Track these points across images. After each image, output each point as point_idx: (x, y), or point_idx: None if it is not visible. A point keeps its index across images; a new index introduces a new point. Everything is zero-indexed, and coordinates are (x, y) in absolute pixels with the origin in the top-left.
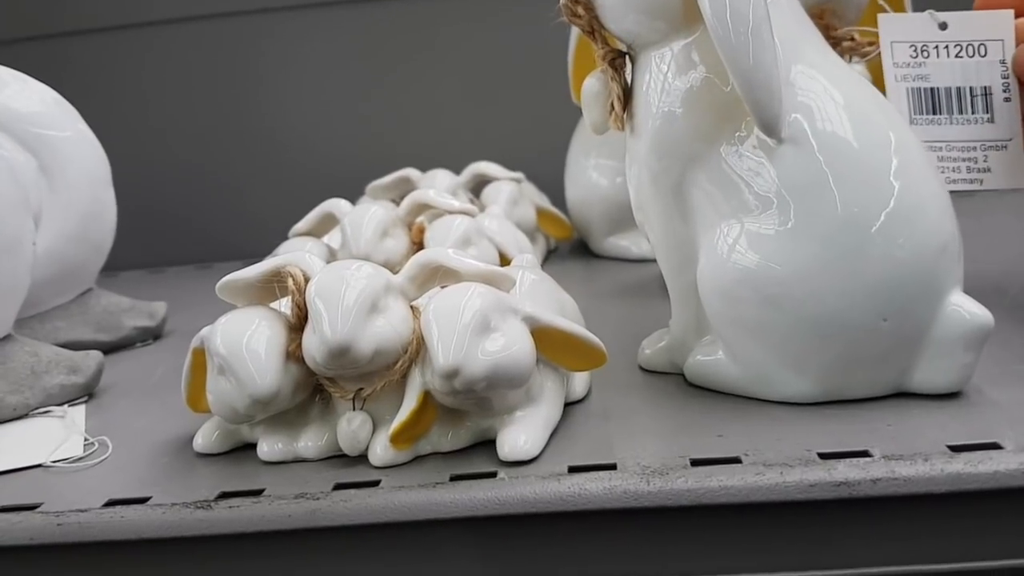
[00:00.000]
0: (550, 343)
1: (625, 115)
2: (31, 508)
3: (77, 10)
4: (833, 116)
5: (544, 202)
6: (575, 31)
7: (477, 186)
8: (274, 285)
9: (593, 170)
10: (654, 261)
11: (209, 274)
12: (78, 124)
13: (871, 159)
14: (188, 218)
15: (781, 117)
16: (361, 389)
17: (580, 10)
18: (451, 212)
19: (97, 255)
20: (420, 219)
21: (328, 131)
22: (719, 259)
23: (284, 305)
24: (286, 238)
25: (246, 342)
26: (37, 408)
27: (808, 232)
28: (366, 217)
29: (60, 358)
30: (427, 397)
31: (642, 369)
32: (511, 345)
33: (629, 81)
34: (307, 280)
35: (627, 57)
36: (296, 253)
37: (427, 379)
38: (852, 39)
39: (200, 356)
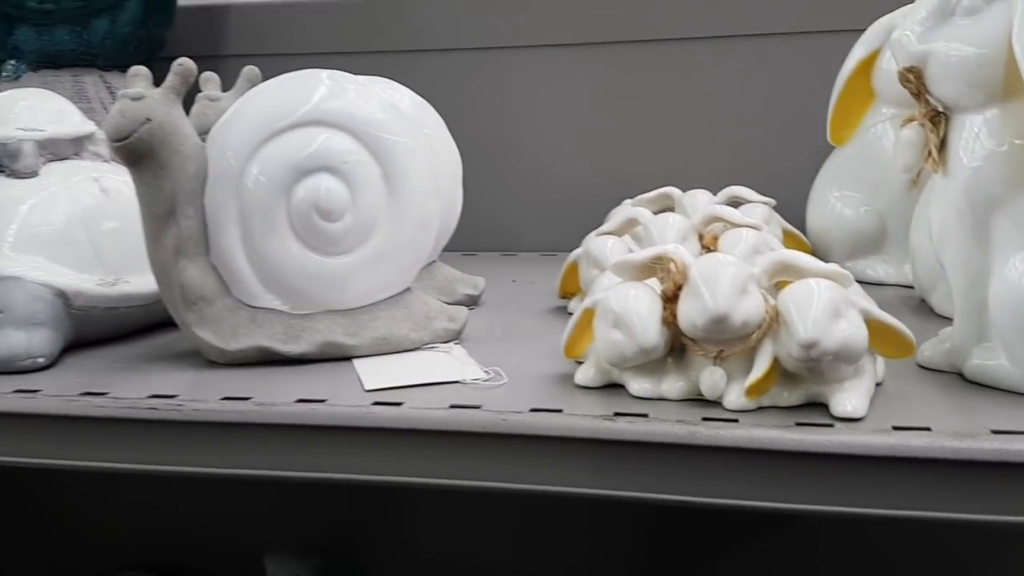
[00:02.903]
0: (873, 332)
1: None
2: (476, 407)
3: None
4: None
5: (787, 225)
6: (839, 83)
7: (731, 207)
8: (653, 266)
9: (838, 201)
10: (890, 285)
11: (507, 260)
12: (441, 126)
13: None
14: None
15: None
16: (722, 351)
17: (911, 76)
18: (740, 226)
19: (445, 236)
20: (710, 229)
21: (597, 150)
22: (1012, 283)
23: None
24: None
25: (637, 305)
26: (428, 343)
27: None
28: (667, 224)
29: (442, 308)
30: (775, 362)
31: (920, 367)
32: (853, 328)
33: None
34: (684, 264)
35: (943, 116)
36: (672, 245)
37: (779, 348)
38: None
39: (588, 314)
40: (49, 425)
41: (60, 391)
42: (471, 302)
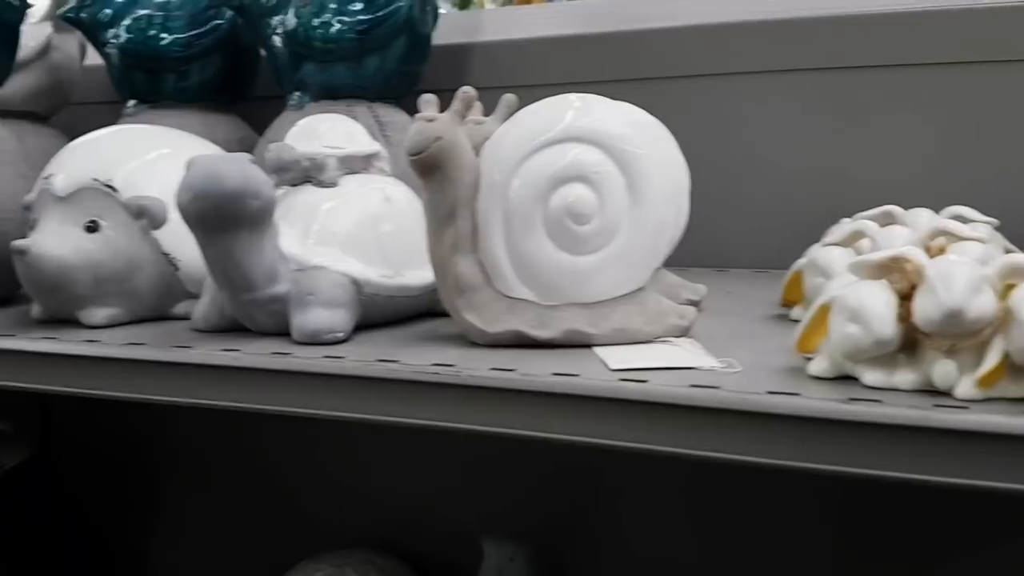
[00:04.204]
0: None
1: None
2: (715, 388)
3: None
4: None
5: (1009, 245)
6: None
7: None
8: (889, 266)
9: None
10: None
11: (720, 275)
12: (673, 142)
13: None
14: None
15: None
16: (954, 345)
17: None
18: (966, 239)
19: (669, 246)
20: (935, 242)
21: (814, 172)
22: None
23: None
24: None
25: (873, 301)
26: (659, 337)
27: None
28: (893, 236)
29: (673, 306)
30: (1005, 357)
31: None
32: None
33: None
34: (919, 264)
35: None
36: (908, 246)
37: (1009, 344)
38: None
39: (824, 310)
40: (353, 384)
41: (360, 358)
42: (693, 306)
